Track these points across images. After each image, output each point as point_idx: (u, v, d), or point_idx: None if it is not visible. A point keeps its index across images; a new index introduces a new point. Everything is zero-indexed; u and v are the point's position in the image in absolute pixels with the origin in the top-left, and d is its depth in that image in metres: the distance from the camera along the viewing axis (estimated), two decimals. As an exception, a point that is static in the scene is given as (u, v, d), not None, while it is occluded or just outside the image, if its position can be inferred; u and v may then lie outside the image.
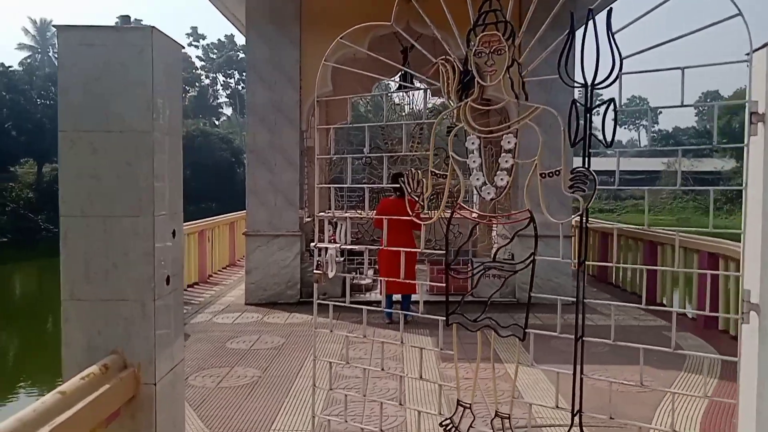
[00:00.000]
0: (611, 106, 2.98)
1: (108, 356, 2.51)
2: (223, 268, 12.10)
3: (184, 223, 10.98)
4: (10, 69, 45.21)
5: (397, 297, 7.96)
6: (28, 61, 58.31)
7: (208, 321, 7.95)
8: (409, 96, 11.95)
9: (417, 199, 3.66)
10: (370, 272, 9.83)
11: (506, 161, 3.28)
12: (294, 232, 8.89)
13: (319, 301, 4.12)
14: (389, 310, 7.72)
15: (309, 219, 10.20)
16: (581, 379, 3.18)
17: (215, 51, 70.81)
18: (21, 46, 62.05)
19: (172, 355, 2.74)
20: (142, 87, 2.51)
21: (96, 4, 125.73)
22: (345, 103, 12.41)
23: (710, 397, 4.82)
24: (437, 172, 3.60)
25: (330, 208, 9.58)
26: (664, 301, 9.11)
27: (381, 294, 7.79)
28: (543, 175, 3.19)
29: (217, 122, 69.03)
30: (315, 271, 4.16)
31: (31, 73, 49.21)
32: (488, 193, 3.34)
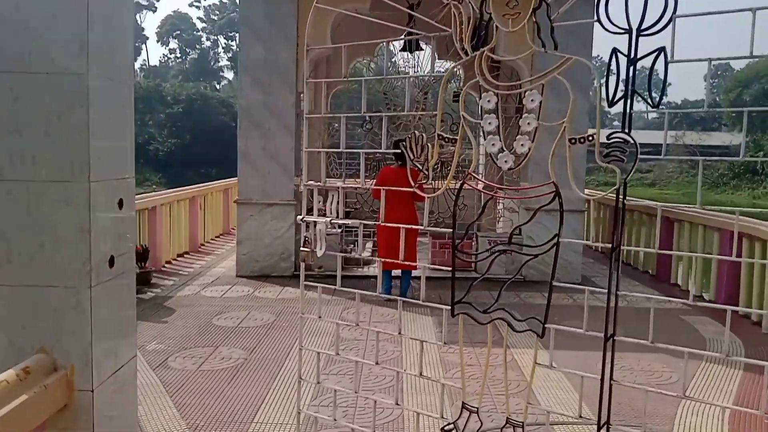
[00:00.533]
0: (662, 56, 2.44)
1: (32, 357, 2.02)
2: (216, 237, 11.62)
3: (175, 189, 10.50)
4: None
5: (396, 272, 7.47)
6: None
7: (195, 294, 7.48)
8: (414, 58, 11.30)
9: (420, 167, 3.13)
10: (368, 245, 9.35)
11: (528, 123, 2.74)
12: (288, 201, 8.37)
13: (306, 283, 3.61)
14: (387, 288, 7.24)
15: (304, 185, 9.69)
16: (610, 386, 2.69)
17: (217, 12, 69.41)
18: None
19: (116, 354, 2.24)
20: (72, 16, 1.96)
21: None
22: (341, 68, 11.79)
23: (736, 407, 4.35)
24: (445, 136, 3.07)
25: (322, 173, 9.04)
26: (679, 282, 8.63)
27: (378, 270, 7.38)
28: (573, 141, 2.66)
29: (218, 86, 68.04)
30: (302, 249, 3.65)
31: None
32: (505, 161, 2.81)
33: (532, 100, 2.71)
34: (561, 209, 2.83)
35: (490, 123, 2.83)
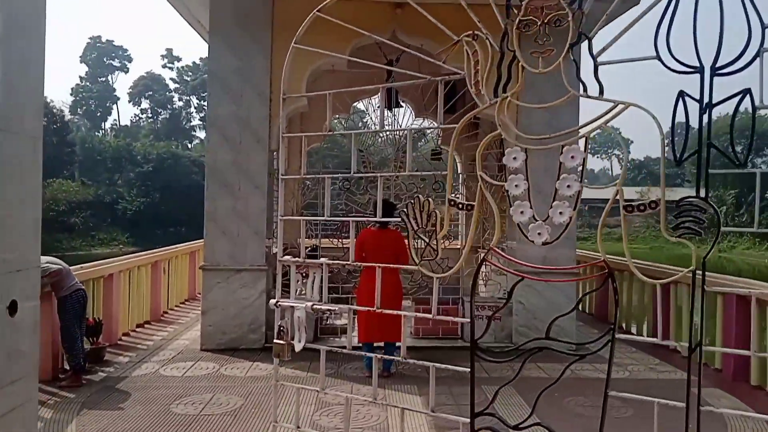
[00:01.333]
0: (745, 99, 1.87)
1: None
2: (181, 303, 10.74)
3: (135, 254, 9.67)
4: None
5: (379, 343, 6.72)
6: (-6, 79, 56.03)
7: (153, 373, 6.61)
8: (392, 116, 10.84)
9: (427, 238, 2.48)
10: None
11: (567, 186, 2.13)
12: (260, 266, 7.64)
13: (280, 368, 2.88)
14: (369, 361, 6.47)
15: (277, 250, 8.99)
16: None
17: (190, 73, 69.43)
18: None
19: None
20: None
21: (68, 24, 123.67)
22: (320, 123, 11.31)
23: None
24: (459, 201, 2.44)
25: (300, 238, 8.34)
26: (678, 347, 8.02)
27: (358, 340, 6.60)
28: (630, 209, 2.06)
29: (189, 145, 67.40)
30: (275, 341, 2.94)
31: (-5, 90, 47.29)
32: (539, 233, 2.18)
33: (572, 157, 2.11)
34: (615, 296, 2.19)
35: (516, 185, 2.22)
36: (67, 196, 47.82)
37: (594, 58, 2.07)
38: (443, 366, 2.67)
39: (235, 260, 7.61)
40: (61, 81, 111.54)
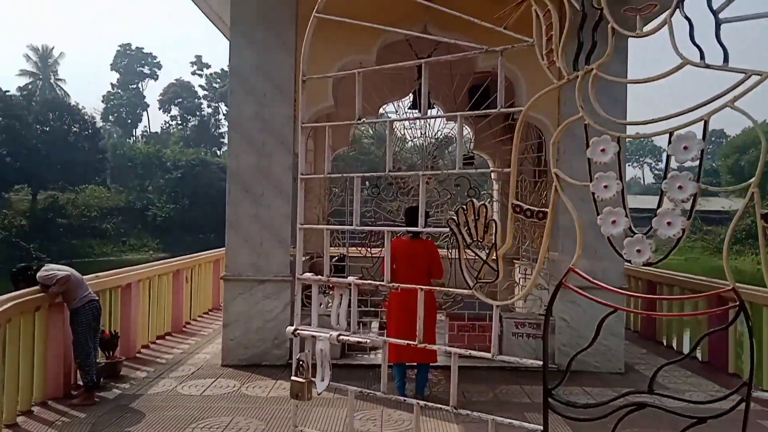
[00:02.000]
0: None
1: None
2: (204, 313, 10.33)
3: (156, 263, 9.30)
4: (7, 93, 43.94)
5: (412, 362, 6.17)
6: (29, 87, 57.11)
7: (170, 391, 6.16)
8: (419, 122, 10.30)
9: (482, 252, 1.95)
10: (374, 324, 8.09)
11: (679, 187, 1.58)
12: (284, 277, 7.16)
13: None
14: (401, 383, 5.93)
15: (305, 258, 8.51)
16: None
17: (218, 80, 69.84)
18: (22, 73, 61.03)
19: None
20: None
21: (99, 32, 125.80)
22: (345, 127, 10.84)
23: None
24: (527, 207, 1.91)
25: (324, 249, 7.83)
26: (737, 370, 7.33)
27: (384, 360, 5.98)
28: (772, 219, 1.50)
29: (218, 152, 67.78)
30: (293, 378, 2.43)
31: (29, 98, 47.97)
32: (638, 249, 1.64)
33: (684, 148, 1.57)
34: (751, 338, 1.63)
35: (606, 186, 1.68)
36: (98, 203, 48.33)
37: (715, 13, 1.53)
38: (506, 421, 2.13)
39: (258, 270, 7.15)
40: (92, 88, 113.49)
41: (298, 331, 2.47)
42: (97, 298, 6.05)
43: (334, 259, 8.16)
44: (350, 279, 2.50)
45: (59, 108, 47.80)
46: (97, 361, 6.30)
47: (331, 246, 7.90)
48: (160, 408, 5.62)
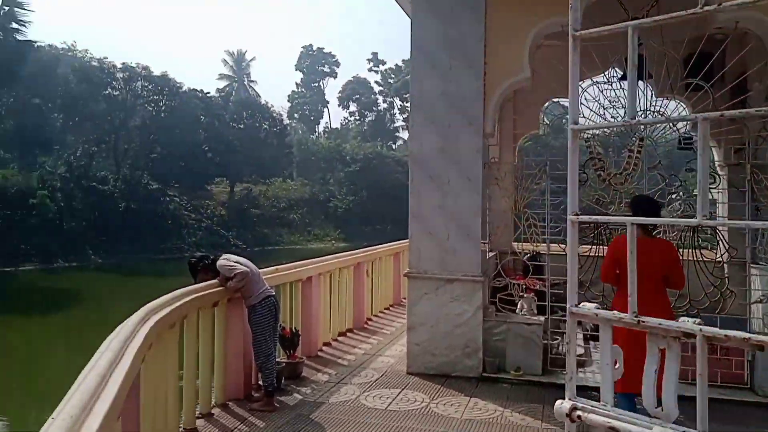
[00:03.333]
0: None
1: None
2: (385, 309, 9.74)
3: (336, 255, 8.83)
4: (208, 95, 48.04)
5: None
6: (226, 89, 62.24)
7: (353, 401, 5.49)
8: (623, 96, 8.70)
9: None
10: (578, 336, 6.83)
11: None
12: (474, 276, 6.21)
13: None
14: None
15: (492, 254, 7.49)
16: None
17: (393, 76, 70.89)
18: (221, 77, 66.63)
19: None
20: None
21: (284, 34, 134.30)
22: (535, 109, 9.59)
23: None
24: None
25: (516, 247, 6.75)
26: None
27: (607, 387, 4.59)
28: None
29: (393, 146, 68.90)
30: None
31: (226, 99, 52.13)
32: None
33: None
34: None
35: None
36: (286, 194, 51.28)
37: None
38: None
39: (445, 268, 6.26)
40: (281, 89, 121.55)
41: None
42: (273, 293, 5.55)
43: (526, 257, 7.04)
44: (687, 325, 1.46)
45: (252, 107, 51.32)
46: (278, 360, 5.85)
47: (527, 242, 6.83)
48: (341, 423, 4.94)
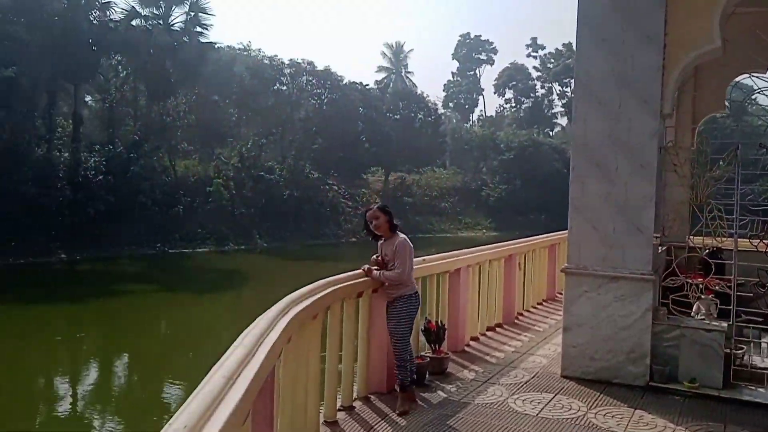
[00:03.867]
0: None
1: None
2: (537, 304, 9.11)
3: (486, 247, 8.36)
4: (366, 87, 49.32)
5: None
6: (384, 80, 63.49)
7: (500, 404, 5.05)
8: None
9: None
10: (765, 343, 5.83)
11: None
12: (643, 275, 5.46)
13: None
14: None
15: (662, 249, 6.60)
16: None
17: (552, 60, 67.97)
18: (379, 69, 68.12)
19: None
20: None
21: (443, 24, 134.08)
22: (720, 86, 8.40)
23: None
24: None
25: (691, 242, 5.82)
26: None
27: None
28: None
29: (551, 133, 66.19)
30: None
31: (383, 90, 53.18)
32: None
33: None
34: None
35: None
36: (439, 183, 51.32)
37: None
38: None
39: (610, 264, 5.57)
40: (436, 79, 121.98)
41: None
42: (416, 289, 5.24)
43: (705, 252, 6.11)
44: None
45: (408, 98, 51.83)
46: (422, 355, 5.59)
47: (708, 236, 5.91)
48: (488, 428, 4.53)
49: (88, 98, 38.30)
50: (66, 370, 14.53)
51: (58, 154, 30.63)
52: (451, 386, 5.47)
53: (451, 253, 6.77)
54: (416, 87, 63.42)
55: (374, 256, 5.13)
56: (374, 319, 5.18)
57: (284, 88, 43.20)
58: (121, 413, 11.42)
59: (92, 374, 14.33)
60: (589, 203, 5.71)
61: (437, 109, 56.50)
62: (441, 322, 6.05)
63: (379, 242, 5.11)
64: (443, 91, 71.63)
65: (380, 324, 5.17)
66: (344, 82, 46.06)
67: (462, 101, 71.22)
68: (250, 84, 40.31)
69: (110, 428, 10.73)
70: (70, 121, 32.23)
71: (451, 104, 70.65)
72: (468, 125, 66.15)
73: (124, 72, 35.41)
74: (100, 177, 30.16)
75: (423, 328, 5.84)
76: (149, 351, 15.74)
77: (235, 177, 37.01)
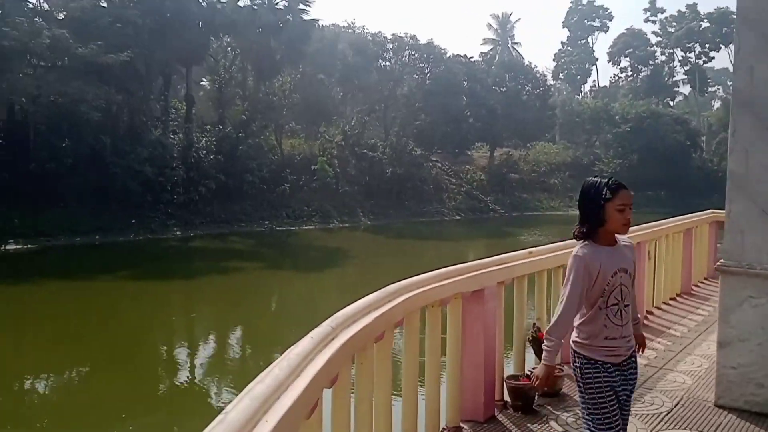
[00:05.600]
0: None
1: None
2: (670, 299, 7.56)
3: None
4: (471, 60, 47.41)
5: None
6: (490, 52, 60.98)
7: (634, 445, 3.80)
8: None
9: None
10: None
11: None
12: (839, 277, 3.94)
13: None
14: None
15: None
16: None
17: (674, 24, 62.19)
18: (485, 41, 65.55)
19: None
20: None
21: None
22: None
23: None
24: None
25: None
26: None
27: None
28: None
29: (671, 103, 60.97)
30: None
31: (489, 63, 50.93)
32: None
33: None
34: None
35: None
36: (547, 158, 48.69)
37: None
38: None
39: (787, 261, 4.10)
40: (545, 49, 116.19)
41: None
42: None
43: None
44: None
45: (514, 70, 49.26)
46: (528, 371, 4.40)
47: None
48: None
49: (204, 81, 39.46)
50: (182, 342, 14.98)
51: (172, 135, 31.61)
52: (567, 415, 4.26)
53: (563, 244, 5.45)
54: (523, 58, 60.34)
55: None
56: (467, 330, 4.06)
57: (387, 64, 42.32)
58: (236, 384, 11.36)
59: (206, 347, 14.65)
60: (756, 178, 4.24)
61: (546, 80, 53.45)
62: (553, 328, 4.81)
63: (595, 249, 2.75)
64: (553, 61, 67.88)
65: (474, 337, 4.05)
66: (448, 56, 44.45)
67: (573, 72, 67.05)
68: (353, 61, 39.74)
69: (226, 398, 10.66)
70: (184, 103, 33.14)
71: (561, 75, 66.78)
72: (579, 97, 62.26)
73: (232, 53, 35.94)
74: (211, 157, 30.84)
75: (530, 338, 4.65)
76: (259, 325, 15.90)
77: (339, 155, 36.75)
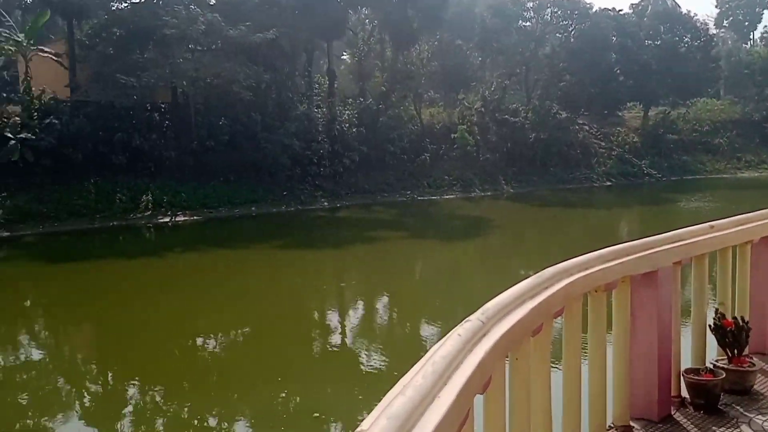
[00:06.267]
0: None
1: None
2: None
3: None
4: (620, 12, 43.82)
5: None
6: (642, 3, 55.87)
7: None
8: None
9: None
10: None
11: None
12: None
13: None
14: None
15: None
16: None
17: None
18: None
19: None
20: None
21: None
22: None
23: None
24: None
25: None
26: None
27: None
28: None
29: None
30: None
31: (640, 15, 46.65)
32: None
33: None
34: None
35: None
36: (710, 116, 44.12)
37: None
38: None
39: None
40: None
41: None
42: None
43: None
44: None
45: (670, 20, 44.73)
46: (710, 365, 3.77)
47: None
48: None
49: (344, 55, 40.18)
50: (334, 308, 15.77)
51: (317, 109, 32.59)
52: (762, 418, 3.57)
53: (756, 214, 4.59)
54: (680, 7, 54.52)
55: None
56: (637, 318, 3.50)
57: (527, 24, 40.31)
58: (385, 349, 11.63)
59: (356, 313, 15.25)
60: None
61: (708, 29, 47.93)
62: (741, 316, 4.08)
63: None
64: (716, 7, 60.67)
65: (645, 325, 3.49)
66: (594, 10, 41.30)
67: (740, 17, 59.53)
68: (491, 23, 38.28)
69: (376, 360, 10.95)
70: (326, 78, 33.97)
71: (725, 23, 59.61)
72: (748, 46, 55.30)
73: (370, 25, 36.09)
74: (354, 129, 31.42)
75: (713, 325, 3.96)
76: (405, 293, 16.19)
77: (479, 122, 35.82)
